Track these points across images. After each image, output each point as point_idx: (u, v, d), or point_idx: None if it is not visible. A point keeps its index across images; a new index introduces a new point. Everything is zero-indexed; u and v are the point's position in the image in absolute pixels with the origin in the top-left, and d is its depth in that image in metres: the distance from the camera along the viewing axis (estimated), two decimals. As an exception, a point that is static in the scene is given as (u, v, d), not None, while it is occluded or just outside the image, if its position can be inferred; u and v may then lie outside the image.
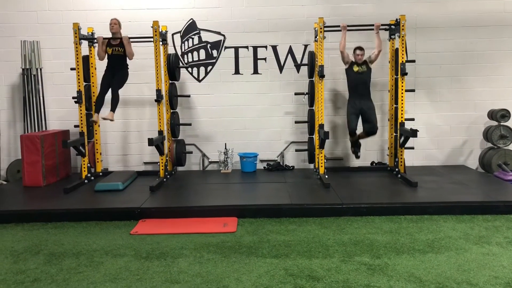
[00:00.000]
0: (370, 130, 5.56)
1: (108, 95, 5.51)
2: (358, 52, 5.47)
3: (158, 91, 5.57)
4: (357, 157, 5.86)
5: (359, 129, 5.66)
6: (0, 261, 3.51)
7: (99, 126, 6.00)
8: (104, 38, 5.51)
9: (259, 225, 4.20)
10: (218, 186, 5.47)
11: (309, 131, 6.01)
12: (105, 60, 5.60)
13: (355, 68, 5.52)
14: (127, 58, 5.52)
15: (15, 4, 6.24)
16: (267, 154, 6.46)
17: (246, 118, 6.43)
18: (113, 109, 5.51)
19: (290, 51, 6.34)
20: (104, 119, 5.50)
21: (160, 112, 5.65)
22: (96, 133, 5.99)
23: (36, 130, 6.20)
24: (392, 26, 5.73)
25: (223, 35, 6.35)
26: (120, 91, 5.56)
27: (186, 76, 6.39)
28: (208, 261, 3.40)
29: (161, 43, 5.70)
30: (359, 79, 5.52)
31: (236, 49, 6.36)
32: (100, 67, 5.75)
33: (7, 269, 3.34)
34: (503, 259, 3.34)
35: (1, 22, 6.28)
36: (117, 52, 5.47)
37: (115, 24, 5.44)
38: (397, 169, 5.69)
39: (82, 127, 5.67)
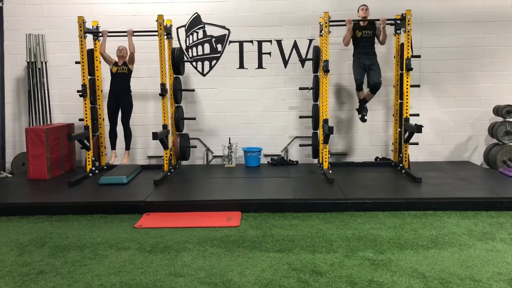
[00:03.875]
0: (374, 82, 5.48)
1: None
2: (362, 6, 5.50)
3: (163, 85, 5.57)
4: (364, 120, 5.82)
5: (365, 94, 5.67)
6: (5, 253, 3.53)
7: (103, 120, 6.03)
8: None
9: (262, 220, 4.20)
10: (222, 180, 5.48)
11: (313, 126, 6.01)
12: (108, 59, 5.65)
13: (358, 34, 5.53)
14: (129, 55, 5.61)
15: (20, -2, 6.26)
16: (271, 149, 6.46)
17: (251, 112, 6.43)
18: (128, 147, 5.83)
19: (295, 45, 6.32)
20: (123, 164, 5.79)
21: (164, 106, 5.66)
22: (100, 127, 6.01)
23: (41, 124, 6.23)
24: (397, 21, 5.69)
25: (228, 29, 6.33)
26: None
27: (191, 70, 6.39)
28: (212, 255, 3.41)
29: (165, 37, 5.69)
30: (362, 42, 5.54)
31: (241, 43, 6.34)
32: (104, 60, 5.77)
33: (12, 261, 3.37)
34: (507, 256, 3.33)
35: (6, 15, 6.29)
36: (122, 70, 5.62)
37: (123, 50, 5.65)
38: (401, 165, 5.68)
39: (86, 120, 5.69)
